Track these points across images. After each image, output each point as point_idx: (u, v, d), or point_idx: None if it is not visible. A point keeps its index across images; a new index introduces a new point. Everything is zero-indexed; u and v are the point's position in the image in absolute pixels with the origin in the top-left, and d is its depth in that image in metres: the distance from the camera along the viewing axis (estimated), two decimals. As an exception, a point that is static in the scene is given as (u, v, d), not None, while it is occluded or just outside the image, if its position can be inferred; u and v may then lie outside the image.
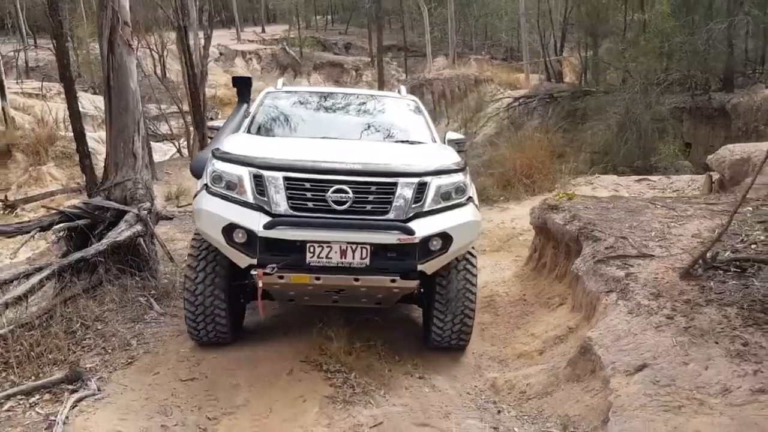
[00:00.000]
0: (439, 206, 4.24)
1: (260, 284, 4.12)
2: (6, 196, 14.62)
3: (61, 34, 8.79)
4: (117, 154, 6.25)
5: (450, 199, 4.29)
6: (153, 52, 22.65)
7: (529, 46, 27.70)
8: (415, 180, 4.18)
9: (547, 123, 17.58)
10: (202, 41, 16.72)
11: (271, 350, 4.72)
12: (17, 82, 22.39)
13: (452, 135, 5.59)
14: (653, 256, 4.65)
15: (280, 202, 4.09)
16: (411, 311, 5.74)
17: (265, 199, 4.10)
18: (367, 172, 4.16)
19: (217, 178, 4.28)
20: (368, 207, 4.12)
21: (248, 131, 5.38)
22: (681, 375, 3.36)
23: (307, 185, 4.11)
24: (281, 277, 4.10)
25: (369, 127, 5.68)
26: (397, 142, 5.31)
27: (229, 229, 4.12)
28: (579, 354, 4.06)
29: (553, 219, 5.96)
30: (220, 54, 35.55)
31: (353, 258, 4.03)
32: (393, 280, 4.11)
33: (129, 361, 4.54)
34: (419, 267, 4.12)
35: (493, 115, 21.29)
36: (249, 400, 4.05)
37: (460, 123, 21.76)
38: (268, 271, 4.05)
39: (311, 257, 4.04)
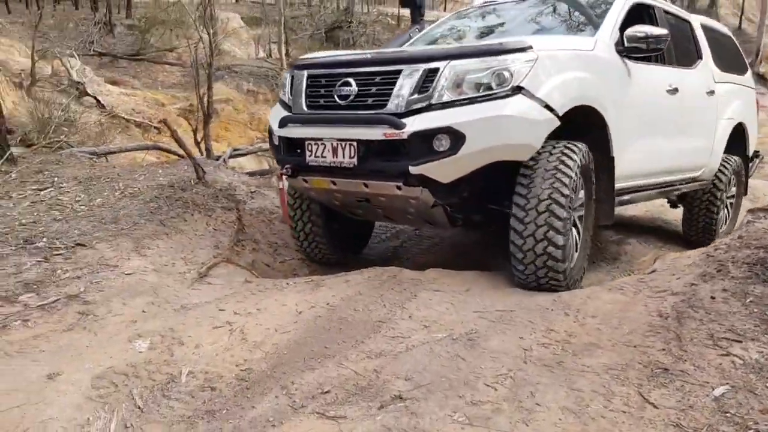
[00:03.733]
0: (462, 98, 3.54)
1: (280, 185, 4.32)
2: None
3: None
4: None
5: (485, 90, 3.54)
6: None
7: None
8: (421, 66, 3.60)
9: None
10: None
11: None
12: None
13: (638, 29, 4.26)
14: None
15: (301, 101, 3.99)
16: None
17: (293, 98, 4.08)
18: (371, 61, 3.84)
19: (281, 84, 4.46)
20: (369, 101, 3.71)
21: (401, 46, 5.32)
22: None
23: (323, 81, 3.94)
24: (306, 181, 3.99)
25: (523, 27, 4.96)
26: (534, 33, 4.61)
27: (270, 133, 4.25)
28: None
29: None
30: None
31: (343, 157, 3.74)
32: (398, 187, 3.64)
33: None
34: (412, 170, 3.55)
35: None
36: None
37: None
38: (284, 171, 4.02)
39: (310, 156, 3.88)
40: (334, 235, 4.77)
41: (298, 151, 3.97)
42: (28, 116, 9.58)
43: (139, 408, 2.65)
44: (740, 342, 3.02)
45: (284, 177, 4.04)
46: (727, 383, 2.69)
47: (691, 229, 5.92)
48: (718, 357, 2.91)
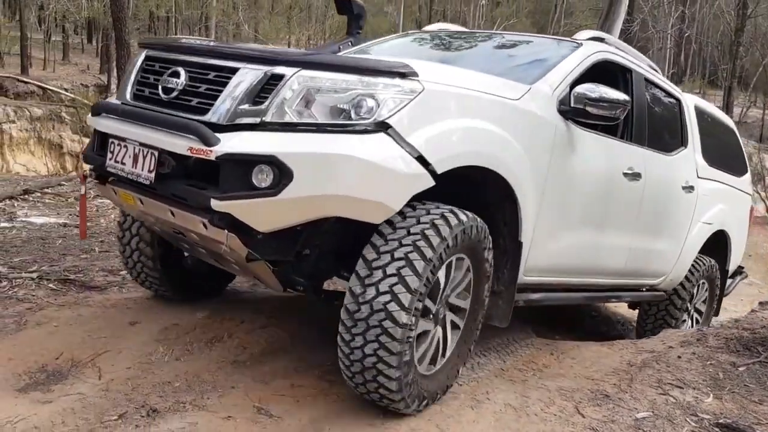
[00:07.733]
0: (307, 122, 2.57)
1: (82, 190, 3.45)
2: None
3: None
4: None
5: (343, 117, 2.58)
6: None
7: None
8: (262, 68, 2.64)
9: None
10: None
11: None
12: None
13: (590, 87, 3.32)
14: None
15: (128, 87, 3.11)
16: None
17: (124, 81, 3.22)
18: (210, 51, 2.93)
19: None
20: (194, 101, 2.76)
21: None
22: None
23: (156, 67, 3.01)
24: (115, 192, 3.07)
25: (462, 61, 4.15)
26: None
27: None
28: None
29: None
30: None
31: (141, 168, 2.79)
32: (204, 225, 2.65)
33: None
34: (215, 204, 2.52)
35: None
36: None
37: None
38: (87, 173, 3.21)
39: (110, 159, 2.95)
40: (171, 269, 3.93)
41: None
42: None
43: (188, 351, 3.53)
44: (682, 388, 3.55)
45: (86, 180, 3.24)
46: (652, 412, 3.24)
47: (645, 334, 4.96)
48: (657, 395, 3.45)
